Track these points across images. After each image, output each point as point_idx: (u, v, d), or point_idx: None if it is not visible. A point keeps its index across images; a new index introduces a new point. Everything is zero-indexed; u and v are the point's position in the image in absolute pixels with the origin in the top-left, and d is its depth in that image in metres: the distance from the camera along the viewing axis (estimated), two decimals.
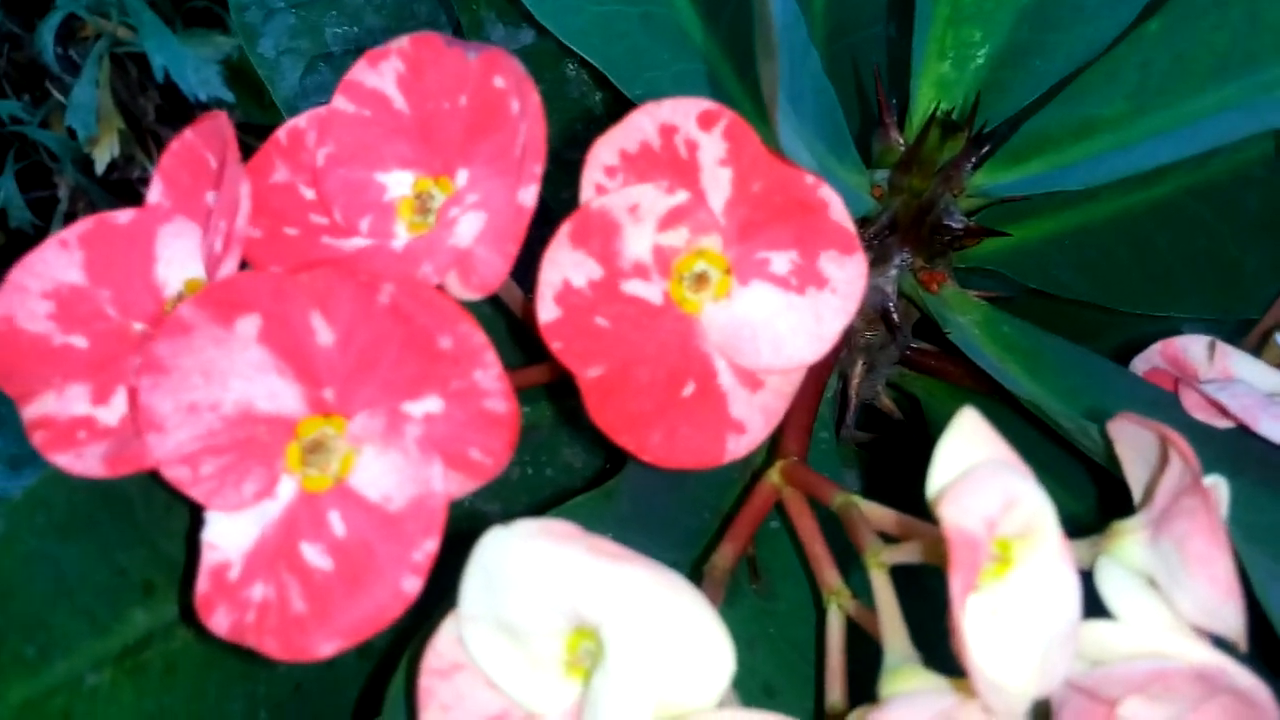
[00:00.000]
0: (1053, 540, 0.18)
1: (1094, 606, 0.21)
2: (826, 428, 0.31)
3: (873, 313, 0.32)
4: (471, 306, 0.23)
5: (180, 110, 0.75)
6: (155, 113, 0.76)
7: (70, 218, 0.76)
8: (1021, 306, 0.34)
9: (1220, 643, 0.21)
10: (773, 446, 0.27)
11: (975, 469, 0.18)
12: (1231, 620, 0.19)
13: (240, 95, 0.70)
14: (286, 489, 0.21)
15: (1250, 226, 0.31)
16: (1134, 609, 0.19)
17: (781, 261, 0.23)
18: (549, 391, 0.30)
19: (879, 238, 0.30)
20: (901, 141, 0.30)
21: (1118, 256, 0.32)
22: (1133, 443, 0.21)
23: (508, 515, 0.31)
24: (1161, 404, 0.27)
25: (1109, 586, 0.20)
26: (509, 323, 0.29)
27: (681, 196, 0.23)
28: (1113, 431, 0.21)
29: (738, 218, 0.23)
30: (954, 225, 0.29)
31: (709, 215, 0.23)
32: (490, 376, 0.20)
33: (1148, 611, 0.19)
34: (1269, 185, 0.30)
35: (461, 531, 0.28)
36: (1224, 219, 0.31)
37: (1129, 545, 0.20)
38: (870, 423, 0.37)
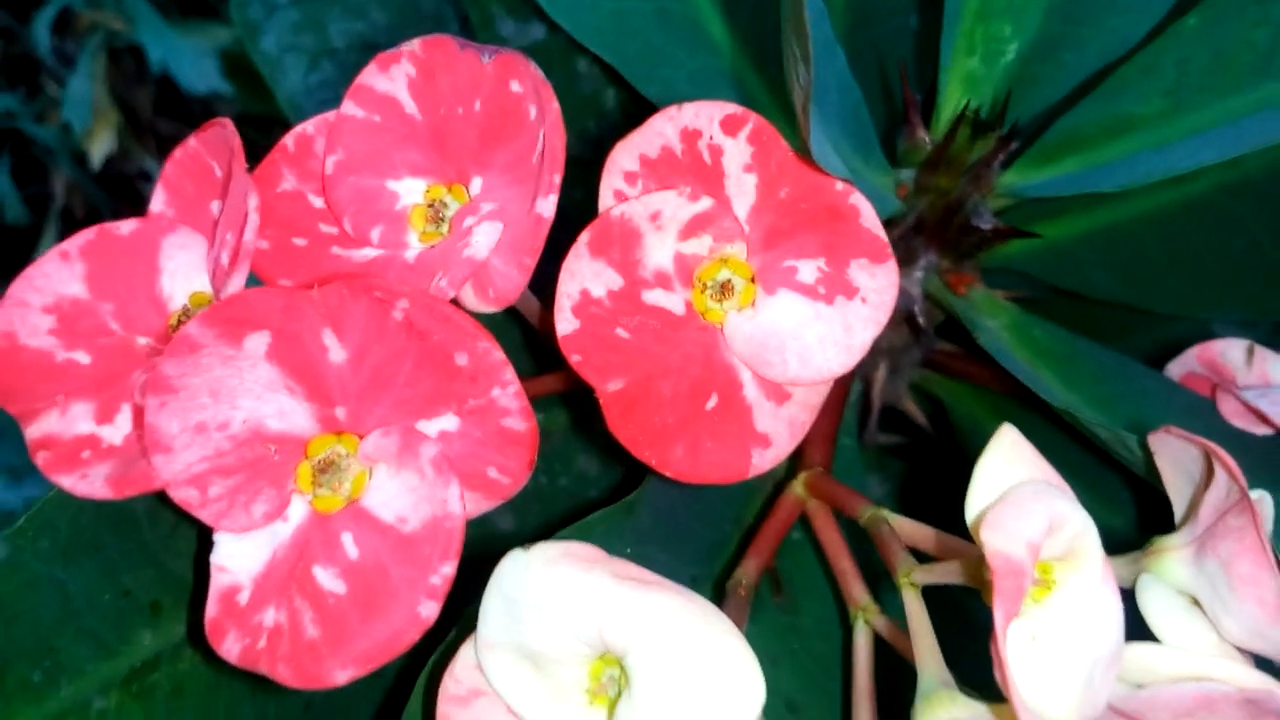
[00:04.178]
0: (1095, 562, 0.17)
1: (1133, 623, 0.20)
2: (849, 434, 0.30)
3: (897, 315, 0.31)
4: (482, 314, 0.22)
5: (178, 103, 0.75)
6: (152, 106, 0.76)
7: (66, 213, 0.75)
8: (1049, 306, 0.33)
9: (1260, 660, 0.20)
10: (796, 456, 0.26)
11: (1016, 490, 0.17)
12: (1278, 643, 0.18)
13: (239, 86, 0.69)
14: (298, 510, 0.20)
15: None
16: (1178, 630, 0.19)
17: (809, 270, 0.22)
18: (562, 397, 0.29)
19: (905, 239, 0.29)
20: (928, 140, 0.29)
21: (1151, 256, 0.31)
22: (1174, 456, 0.20)
23: (521, 526, 0.30)
24: (1199, 411, 0.26)
25: (1151, 606, 0.19)
26: (523, 329, 0.29)
27: (705, 203, 0.22)
28: (1154, 444, 0.20)
29: (763, 225, 0.22)
30: (983, 226, 0.28)
31: (733, 222, 0.22)
32: (509, 394, 0.20)
33: (1192, 633, 0.19)
34: None
35: (473, 541, 0.28)
36: (1260, 218, 0.30)
37: (1172, 563, 0.19)
38: (892, 425, 0.36)
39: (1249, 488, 0.20)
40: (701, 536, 0.26)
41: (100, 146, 0.78)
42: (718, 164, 0.22)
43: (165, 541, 0.23)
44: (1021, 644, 0.17)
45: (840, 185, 0.21)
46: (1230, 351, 0.26)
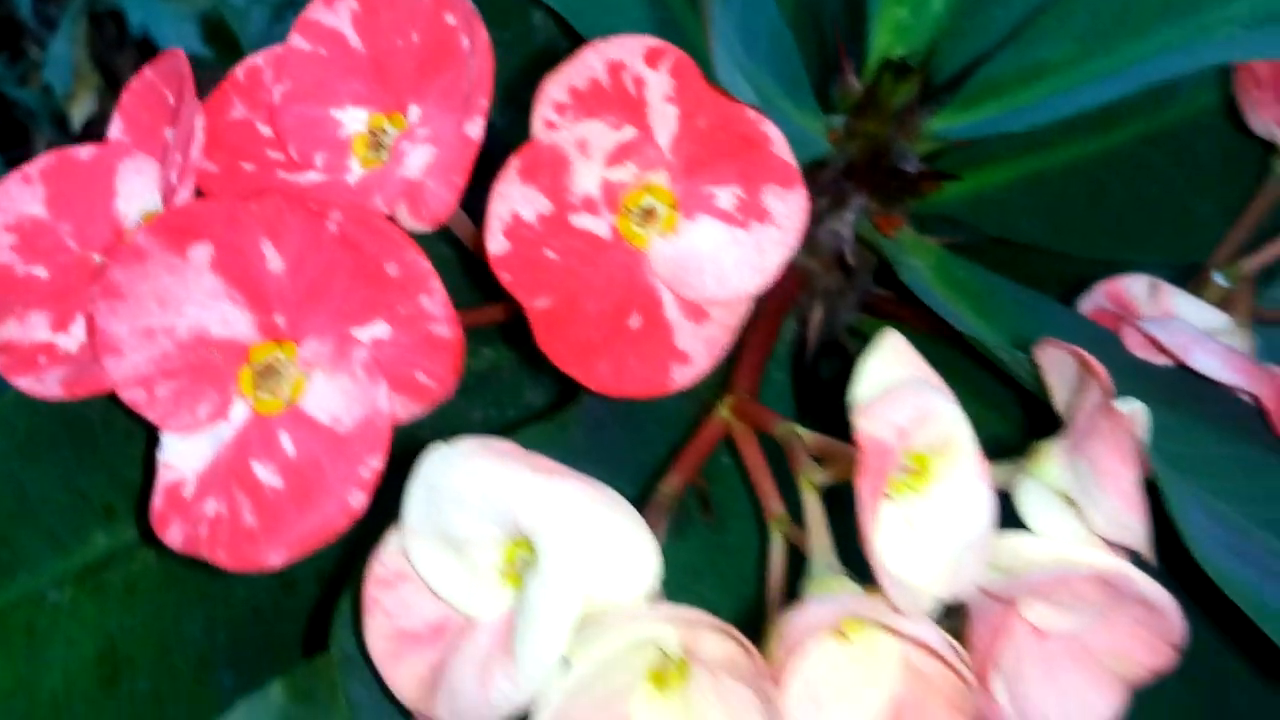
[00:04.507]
0: (968, 454, 0.19)
1: (1016, 524, 0.22)
2: (782, 369, 0.32)
3: (830, 256, 0.32)
4: (431, 248, 0.24)
5: None
6: (132, 69, 0.76)
7: None
8: (985, 255, 0.35)
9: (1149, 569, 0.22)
10: (728, 385, 0.28)
11: (893, 385, 0.18)
12: (1137, 531, 0.19)
13: (217, 51, 0.70)
14: (239, 412, 0.22)
15: (1201, 173, 0.31)
16: (1049, 523, 0.20)
17: (726, 196, 0.24)
18: (512, 335, 0.31)
19: (836, 182, 0.31)
20: (859, 87, 0.30)
21: (1074, 202, 0.33)
22: (1058, 368, 0.22)
23: None
24: (1104, 342, 0.28)
25: (1028, 504, 0.21)
26: (467, 265, 0.30)
27: (629, 132, 0.23)
28: (1039, 358, 0.22)
29: (684, 153, 0.24)
30: (908, 169, 0.30)
31: (656, 151, 0.23)
32: (435, 302, 0.21)
33: (1064, 527, 0.20)
34: (1219, 133, 0.31)
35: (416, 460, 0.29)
36: (1176, 166, 0.32)
37: (1048, 465, 0.21)
38: (841, 369, 0.37)
39: (1130, 405, 0.21)
40: (634, 457, 0.28)
41: (81, 109, 0.79)
42: (641, 95, 0.23)
43: (119, 448, 0.25)
44: (896, 525, 0.19)
45: (753, 114, 0.23)
46: (1135, 287, 0.28)
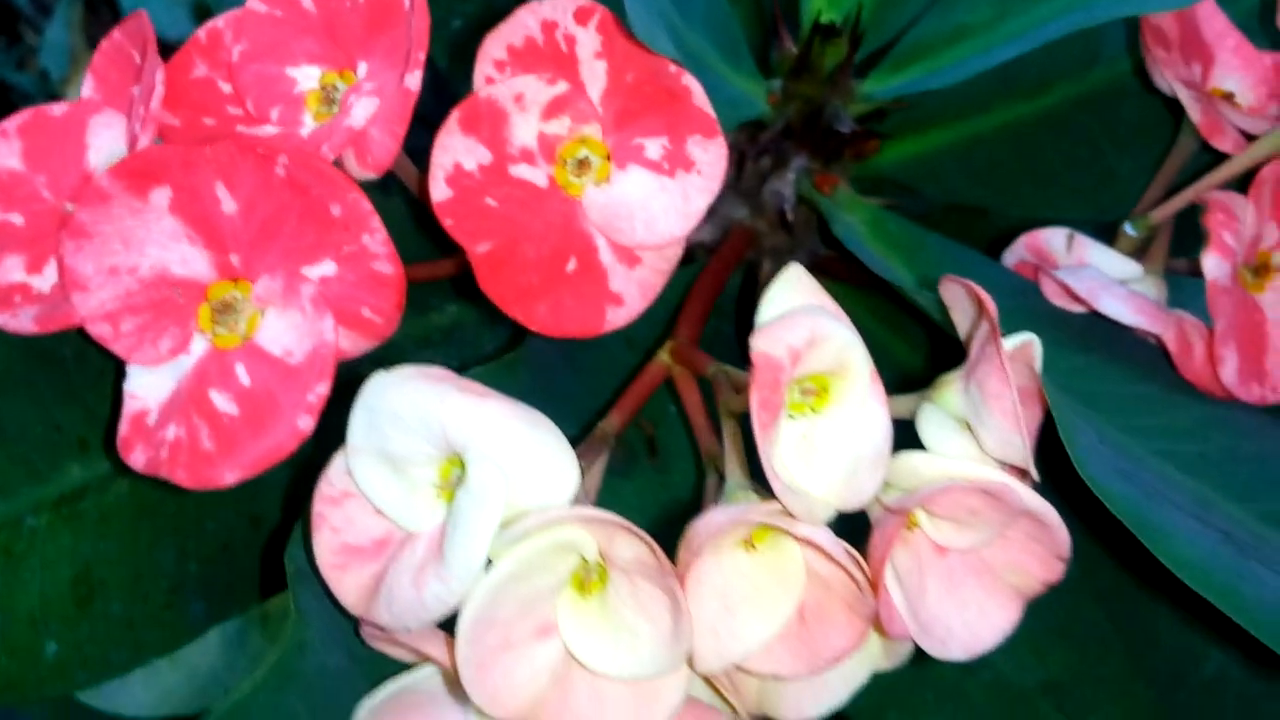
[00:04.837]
0: (863, 377, 0.21)
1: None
2: (729, 322, 0.34)
3: (774, 215, 0.34)
4: (386, 206, 0.25)
5: None
6: None
7: None
8: (925, 218, 0.36)
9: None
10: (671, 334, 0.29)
11: (790, 310, 0.20)
12: (1019, 448, 0.21)
13: None
14: (199, 346, 0.23)
15: (1125, 134, 0.33)
16: (946, 444, 0.22)
17: (654, 147, 0.25)
18: (473, 292, 0.32)
19: (775, 142, 0.32)
20: (795, 51, 0.32)
21: (1006, 164, 0.34)
22: (959, 304, 0.23)
23: None
24: (1024, 292, 0.29)
25: (927, 428, 0.22)
26: (421, 223, 0.32)
27: (562, 87, 0.25)
28: (943, 295, 0.24)
29: (614, 107, 0.25)
30: (842, 129, 0.31)
31: (588, 105, 0.25)
32: (377, 240, 0.23)
33: (960, 448, 0.22)
34: (1142, 96, 0.32)
35: None
36: (1103, 128, 0.33)
37: (947, 393, 0.22)
38: None
39: (1023, 336, 0.23)
40: (580, 401, 0.29)
41: (77, 92, 0.81)
42: (572, 52, 0.25)
43: (92, 385, 0.26)
44: (796, 442, 0.21)
45: (673, 68, 0.24)
46: (1054, 239, 0.29)
